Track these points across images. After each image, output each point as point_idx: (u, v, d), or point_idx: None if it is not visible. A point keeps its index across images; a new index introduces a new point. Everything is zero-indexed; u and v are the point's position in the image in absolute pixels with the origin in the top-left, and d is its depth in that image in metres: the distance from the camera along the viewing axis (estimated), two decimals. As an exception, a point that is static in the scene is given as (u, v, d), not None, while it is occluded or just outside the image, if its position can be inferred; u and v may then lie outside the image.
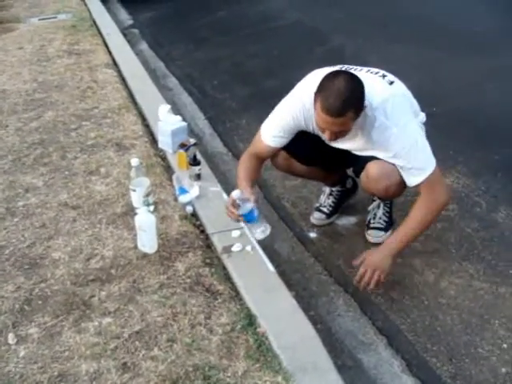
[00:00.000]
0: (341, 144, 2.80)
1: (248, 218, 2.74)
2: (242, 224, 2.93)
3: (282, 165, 3.12)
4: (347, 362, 2.47)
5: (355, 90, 2.43)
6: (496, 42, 6.09)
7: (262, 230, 2.78)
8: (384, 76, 2.71)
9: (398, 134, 2.56)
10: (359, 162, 2.85)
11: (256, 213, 2.73)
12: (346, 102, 2.37)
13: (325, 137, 2.60)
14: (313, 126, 2.71)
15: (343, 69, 2.63)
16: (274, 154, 2.99)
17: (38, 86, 5.28)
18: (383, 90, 2.64)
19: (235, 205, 2.72)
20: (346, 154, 2.90)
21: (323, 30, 6.83)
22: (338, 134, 2.54)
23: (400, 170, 2.65)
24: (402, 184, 2.72)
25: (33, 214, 3.30)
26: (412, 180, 2.64)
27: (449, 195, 2.81)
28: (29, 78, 5.48)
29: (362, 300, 2.82)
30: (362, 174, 2.84)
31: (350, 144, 2.77)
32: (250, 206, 2.70)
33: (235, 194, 2.72)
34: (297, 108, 2.71)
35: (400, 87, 2.73)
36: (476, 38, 6.20)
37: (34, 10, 8.19)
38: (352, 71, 2.58)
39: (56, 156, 3.95)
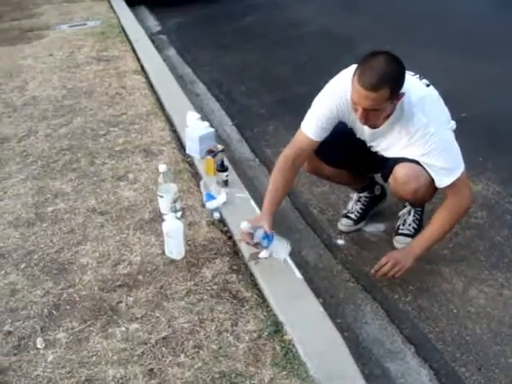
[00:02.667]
0: (374, 140, 2.81)
1: (264, 244, 2.74)
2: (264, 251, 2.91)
3: (310, 166, 3.11)
4: (375, 371, 2.45)
5: (394, 69, 2.42)
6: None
7: (281, 249, 2.79)
8: (420, 78, 2.73)
9: (434, 132, 2.55)
10: (387, 166, 2.83)
11: (270, 236, 2.73)
12: (383, 77, 2.37)
13: (356, 116, 2.57)
14: (353, 115, 2.69)
15: None
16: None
17: (68, 92, 5.34)
18: (421, 88, 2.65)
19: (248, 235, 2.74)
20: (375, 157, 2.90)
21: (351, 35, 6.82)
22: (370, 116, 2.52)
23: (430, 171, 2.64)
24: (431, 187, 2.71)
25: (61, 219, 3.33)
26: (442, 181, 2.64)
27: (472, 200, 2.87)
28: (58, 85, 5.54)
29: (389, 308, 2.80)
30: (391, 178, 2.82)
31: (384, 140, 2.76)
32: (261, 232, 2.71)
33: (243, 226, 2.75)
34: (339, 95, 2.70)
35: (435, 90, 2.74)
36: (504, 42, 6.14)
37: (64, 17, 8.30)
38: None
39: (84, 162, 3.98)
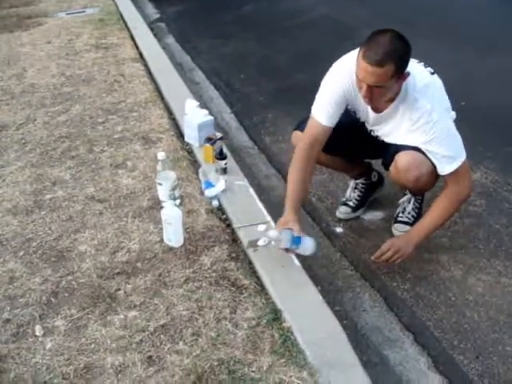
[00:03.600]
0: (377, 124, 2.82)
1: (294, 246, 2.71)
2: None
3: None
4: (373, 358, 2.45)
5: (400, 45, 2.42)
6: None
7: (310, 247, 2.75)
8: (425, 66, 2.73)
9: (437, 119, 2.56)
10: (389, 154, 2.83)
11: (297, 239, 2.69)
12: (388, 53, 2.37)
13: (361, 94, 2.56)
14: (356, 96, 2.70)
15: None
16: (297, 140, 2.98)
17: (66, 79, 5.33)
18: (426, 75, 2.66)
19: (277, 242, 2.73)
20: (375, 142, 2.91)
21: (351, 24, 6.79)
22: (375, 93, 2.50)
23: (432, 158, 2.64)
24: (433, 175, 2.71)
25: (60, 207, 3.33)
26: (444, 168, 2.64)
27: (472, 189, 2.88)
28: (57, 72, 5.53)
29: (388, 296, 2.80)
30: (392, 166, 2.82)
31: (387, 124, 2.77)
32: (287, 237, 2.67)
33: (271, 234, 2.75)
34: (346, 78, 2.69)
35: (439, 79, 2.73)
36: (504, 34, 6.12)
37: (62, 4, 8.29)
38: None
39: (83, 149, 3.98)
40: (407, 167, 2.72)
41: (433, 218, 2.79)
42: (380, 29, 2.48)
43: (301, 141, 2.88)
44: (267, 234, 2.81)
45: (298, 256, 2.82)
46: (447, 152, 2.60)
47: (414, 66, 2.57)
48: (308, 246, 2.74)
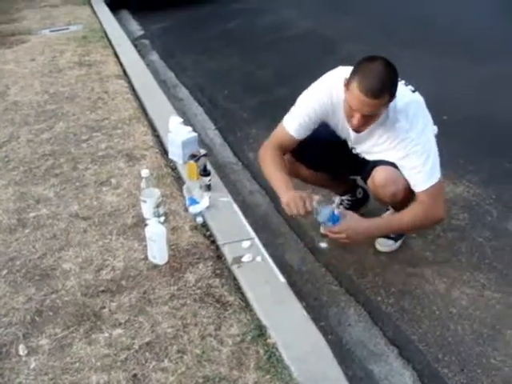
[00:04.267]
0: (357, 143, 2.83)
1: (331, 222, 2.70)
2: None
3: (290, 170, 3.07)
4: (358, 373, 2.46)
5: (391, 72, 2.44)
6: (508, 50, 6.08)
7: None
8: (406, 84, 2.74)
9: (414, 138, 2.58)
10: (367, 168, 2.85)
11: (338, 217, 2.68)
12: (385, 84, 2.39)
13: (352, 122, 2.56)
14: (336, 115, 2.72)
15: None
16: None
17: (50, 97, 5.32)
18: (406, 94, 2.66)
19: (315, 210, 2.69)
20: (356, 159, 2.92)
21: (334, 38, 6.84)
22: (366, 121, 2.52)
23: (406, 173, 2.66)
24: (410, 191, 2.71)
25: (44, 225, 3.31)
26: (418, 185, 2.65)
27: (445, 214, 2.89)
28: (40, 90, 5.52)
29: (372, 310, 2.81)
30: (369, 181, 2.84)
31: (367, 143, 2.78)
32: (328, 210, 2.67)
33: (316, 203, 2.66)
34: (324, 96, 2.71)
35: (420, 96, 2.74)
36: (487, 45, 6.19)
37: (46, 21, 8.27)
38: None
39: (67, 167, 3.97)
40: (384, 183, 2.73)
41: (399, 222, 2.78)
42: (367, 56, 2.49)
43: (268, 146, 2.92)
44: (314, 204, 2.66)
45: (283, 271, 2.84)
46: (423, 169, 2.61)
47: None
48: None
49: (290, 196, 2.69)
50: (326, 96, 2.70)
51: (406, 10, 7.71)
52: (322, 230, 2.81)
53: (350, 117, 2.56)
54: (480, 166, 3.92)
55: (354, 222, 2.74)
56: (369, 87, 2.37)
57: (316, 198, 2.70)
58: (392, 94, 2.46)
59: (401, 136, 2.59)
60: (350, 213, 2.78)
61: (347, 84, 2.48)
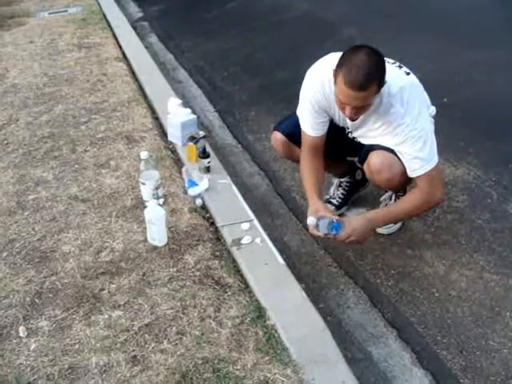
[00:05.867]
0: (354, 129, 2.81)
1: (333, 231, 2.69)
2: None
3: (284, 151, 3.09)
4: (357, 355, 2.47)
5: (378, 62, 2.40)
6: (508, 33, 6.04)
7: None
8: (400, 67, 2.71)
9: (410, 123, 2.55)
10: (363, 152, 2.84)
11: (337, 223, 2.68)
12: (370, 75, 2.34)
13: (345, 114, 2.56)
14: (332, 106, 2.70)
15: None
16: (276, 142, 3.05)
17: (49, 79, 5.30)
18: (401, 78, 2.63)
19: (315, 228, 2.71)
20: (353, 142, 2.90)
21: (333, 21, 6.79)
22: (359, 111, 2.51)
23: (403, 159, 2.64)
24: (406, 176, 2.70)
25: (43, 207, 3.31)
26: (414, 171, 2.63)
27: (444, 195, 2.90)
28: (39, 72, 5.50)
29: (372, 292, 2.82)
30: (365, 166, 2.83)
31: (363, 128, 2.76)
32: (326, 221, 2.67)
33: (310, 220, 2.70)
34: (317, 90, 2.70)
35: (415, 78, 2.72)
36: (487, 29, 6.15)
37: (45, 3, 8.23)
38: None
39: (66, 149, 3.96)
40: (379, 168, 2.72)
41: (399, 210, 2.78)
42: (351, 47, 2.45)
43: (301, 152, 2.92)
44: (308, 221, 2.71)
45: (282, 253, 2.84)
46: (419, 154, 2.58)
47: (389, 70, 2.54)
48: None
49: (314, 209, 2.75)
50: (318, 90, 2.68)
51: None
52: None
53: (341, 109, 2.55)
54: (480, 148, 3.91)
55: (355, 223, 2.72)
56: (354, 81, 2.34)
57: (310, 218, 2.72)
58: (380, 83, 2.42)
59: (396, 121, 2.56)
60: (346, 219, 2.79)
61: (334, 77, 2.46)
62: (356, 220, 2.76)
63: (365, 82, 2.34)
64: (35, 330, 2.47)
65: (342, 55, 2.44)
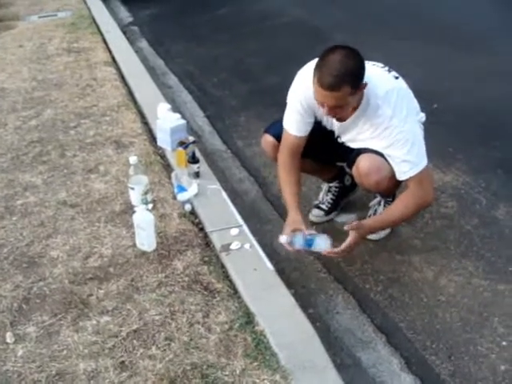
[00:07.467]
0: (342, 132, 2.82)
1: (307, 246, 2.72)
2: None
3: (274, 154, 3.05)
4: (346, 360, 2.47)
5: (351, 63, 2.40)
6: (497, 40, 6.07)
7: (324, 244, 2.74)
8: (389, 71, 2.72)
9: (398, 125, 2.56)
10: (351, 156, 2.84)
11: (310, 238, 2.71)
12: (340, 76, 2.36)
13: (323, 113, 2.59)
14: (318, 109, 2.70)
15: None
16: (266, 144, 3.06)
17: (38, 84, 5.28)
18: (389, 81, 2.64)
19: (290, 245, 2.72)
20: (342, 147, 2.91)
21: (323, 27, 6.81)
22: (336, 110, 2.53)
23: (392, 162, 2.65)
24: (394, 179, 2.71)
25: (31, 212, 3.30)
26: (403, 173, 2.64)
27: (434, 196, 2.93)
28: (28, 76, 5.48)
29: (361, 298, 2.82)
30: (353, 169, 2.84)
31: (351, 131, 2.77)
32: (300, 239, 2.70)
33: (282, 239, 2.71)
34: (304, 90, 2.71)
35: (404, 83, 2.73)
36: (477, 36, 6.18)
37: (34, 7, 8.22)
38: None
39: (55, 154, 3.95)
40: (367, 171, 2.73)
41: (390, 216, 2.82)
42: (329, 47, 2.47)
43: (280, 154, 2.93)
44: (280, 239, 2.74)
45: (271, 259, 2.84)
46: (406, 157, 2.59)
47: (377, 74, 2.58)
48: (321, 244, 2.73)
49: (291, 221, 2.79)
50: (306, 90, 2.68)
51: (395, 2, 7.67)
52: (310, 218, 2.80)
53: (321, 107, 2.56)
54: (469, 154, 3.92)
55: (354, 243, 2.73)
56: (325, 80, 2.38)
57: (282, 237, 2.73)
58: (355, 84, 2.43)
59: (384, 124, 2.57)
60: (324, 235, 2.78)
61: (313, 77, 2.48)
62: (354, 241, 2.73)
63: (336, 82, 2.37)
64: (22, 335, 2.45)
65: (321, 54, 2.47)
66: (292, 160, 2.89)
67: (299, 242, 2.69)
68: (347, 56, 2.40)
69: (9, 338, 2.44)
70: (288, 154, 2.89)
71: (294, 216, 2.80)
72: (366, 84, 2.48)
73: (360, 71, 2.44)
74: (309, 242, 2.70)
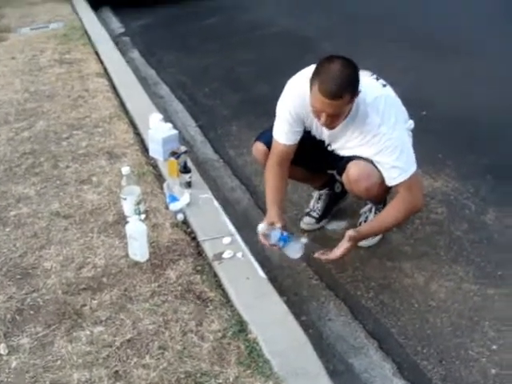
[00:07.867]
0: (331, 140, 2.85)
1: (280, 245, 2.77)
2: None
3: (265, 162, 3.06)
4: (338, 367, 2.48)
5: (352, 72, 2.46)
6: (485, 47, 6.12)
7: (295, 250, 2.82)
8: (377, 79, 2.76)
9: (386, 132, 2.60)
10: (341, 164, 2.87)
11: (287, 237, 2.76)
12: (343, 84, 2.41)
13: (320, 122, 2.61)
14: (309, 116, 2.73)
15: None
16: (258, 152, 3.08)
17: (30, 95, 5.30)
18: (376, 89, 2.69)
19: (264, 236, 2.77)
20: (332, 155, 2.93)
21: (312, 36, 6.86)
22: (333, 119, 2.56)
23: (381, 169, 2.69)
24: (384, 185, 2.75)
25: (24, 223, 3.31)
26: (392, 179, 2.68)
27: (424, 203, 2.96)
28: (20, 88, 5.49)
29: (352, 304, 2.84)
30: (343, 176, 2.87)
31: (340, 139, 2.80)
32: (277, 233, 2.74)
33: (260, 227, 2.79)
34: (294, 100, 2.75)
35: (392, 90, 2.77)
36: (465, 43, 6.22)
37: (25, 19, 8.23)
38: None
39: (47, 165, 3.96)
40: (357, 178, 2.76)
41: (381, 223, 2.87)
42: (326, 57, 2.52)
43: (269, 160, 2.96)
44: (258, 228, 2.81)
45: (263, 267, 2.86)
46: (395, 163, 2.63)
47: (365, 81, 2.61)
48: (291, 252, 2.80)
49: (268, 216, 2.85)
50: (298, 99, 2.73)
51: (382, 10, 7.72)
52: (302, 226, 2.83)
53: (317, 117, 2.60)
54: (458, 160, 3.96)
55: (346, 250, 2.80)
56: (328, 89, 2.41)
57: (261, 225, 2.81)
58: (354, 93, 2.49)
59: (372, 132, 2.61)
60: (299, 244, 2.83)
61: (310, 85, 2.51)
62: (350, 249, 2.81)
63: (339, 91, 2.41)
64: (16, 347, 2.46)
65: (318, 64, 2.52)
66: (280, 167, 2.92)
67: (275, 238, 2.74)
68: (345, 65, 2.45)
69: (2, 349, 2.44)
70: (277, 161, 2.92)
71: (272, 211, 2.85)
72: (359, 91, 2.52)
73: (357, 79, 2.50)
74: (283, 242, 2.76)
